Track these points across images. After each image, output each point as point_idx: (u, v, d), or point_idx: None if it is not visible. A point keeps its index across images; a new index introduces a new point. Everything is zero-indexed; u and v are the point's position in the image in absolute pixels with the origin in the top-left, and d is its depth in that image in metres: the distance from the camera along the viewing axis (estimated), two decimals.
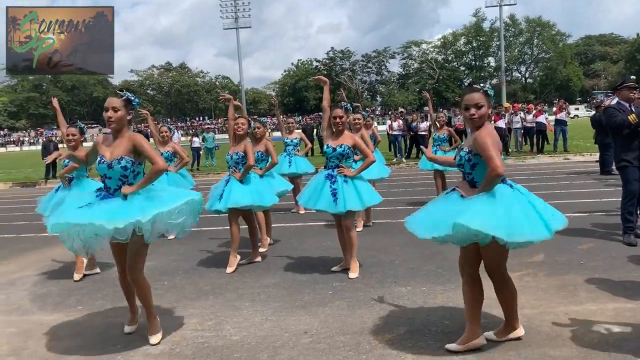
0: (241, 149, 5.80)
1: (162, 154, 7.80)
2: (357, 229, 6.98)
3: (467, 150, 3.27)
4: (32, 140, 69.11)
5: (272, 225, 7.15)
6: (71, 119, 51.85)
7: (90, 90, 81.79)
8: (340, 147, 5.22)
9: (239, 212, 5.78)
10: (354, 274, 5.23)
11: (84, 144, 5.99)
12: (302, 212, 9.20)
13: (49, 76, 71.29)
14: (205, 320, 4.28)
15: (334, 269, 5.49)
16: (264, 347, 3.69)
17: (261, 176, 6.27)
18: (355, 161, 6.01)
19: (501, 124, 17.52)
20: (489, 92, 3.24)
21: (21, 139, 72.12)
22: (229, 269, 5.70)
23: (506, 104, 22.78)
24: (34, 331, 4.28)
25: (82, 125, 6.15)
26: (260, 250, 6.37)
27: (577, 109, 57.22)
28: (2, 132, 76.03)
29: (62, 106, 6.56)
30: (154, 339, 3.85)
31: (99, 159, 3.73)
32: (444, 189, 8.22)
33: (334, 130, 5.27)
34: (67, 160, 5.72)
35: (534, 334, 3.59)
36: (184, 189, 3.96)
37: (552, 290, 4.49)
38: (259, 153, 6.50)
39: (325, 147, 5.34)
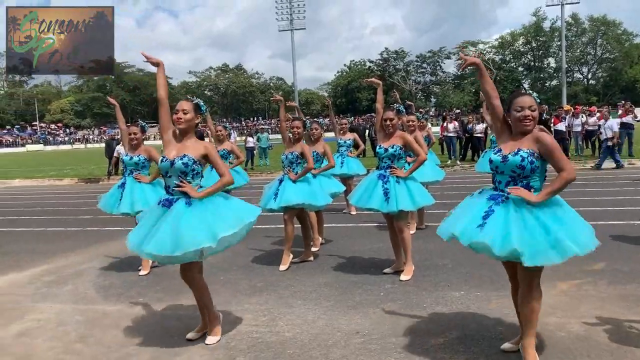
0: (297, 150, 5.89)
1: (218, 152, 8.02)
2: (410, 232, 6.93)
3: (529, 151, 3.12)
4: (96, 139, 72.34)
5: (324, 225, 7.22)
6: (132, 119, 53.84)
7: (151, 91, 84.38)
8: (392, 147, 5.22)
9: (294, 212, 5.88)
10: (406, 276, 5.22)
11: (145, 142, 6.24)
12: (353, 213, 9.23)
13: (112, 76, 74.36)
14: (259, 316, 4.40)
15: (385, 270, 5.49)
16: (317, 344, 3.75)
17: (314, 176, 6.33)
18: (409, 163, 5.99)
19: (561, 126, 16.92)
20: (536, 99, 3.22)
21: (86, 136, 75.70)
22: (282, 267, 5.82)
23: (566, 106, 21.97)
24: (99, 320, 4.53)
25: (144, 123, 6.41)
26: (313, 249, 6.44)
27: None
28: (68, 130, 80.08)
29: (124, 106, 6.87)
30: (210, 339, 3.88)
31: (161, 158, 3.81)
32: None
33: (385, 132, 5.29)
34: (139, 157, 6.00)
35: (593, 345, 3.48)
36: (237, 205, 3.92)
37: (614, 299, 4.34)
38: (315, 153, 6.56)
39: (377, 147, 5.36)
